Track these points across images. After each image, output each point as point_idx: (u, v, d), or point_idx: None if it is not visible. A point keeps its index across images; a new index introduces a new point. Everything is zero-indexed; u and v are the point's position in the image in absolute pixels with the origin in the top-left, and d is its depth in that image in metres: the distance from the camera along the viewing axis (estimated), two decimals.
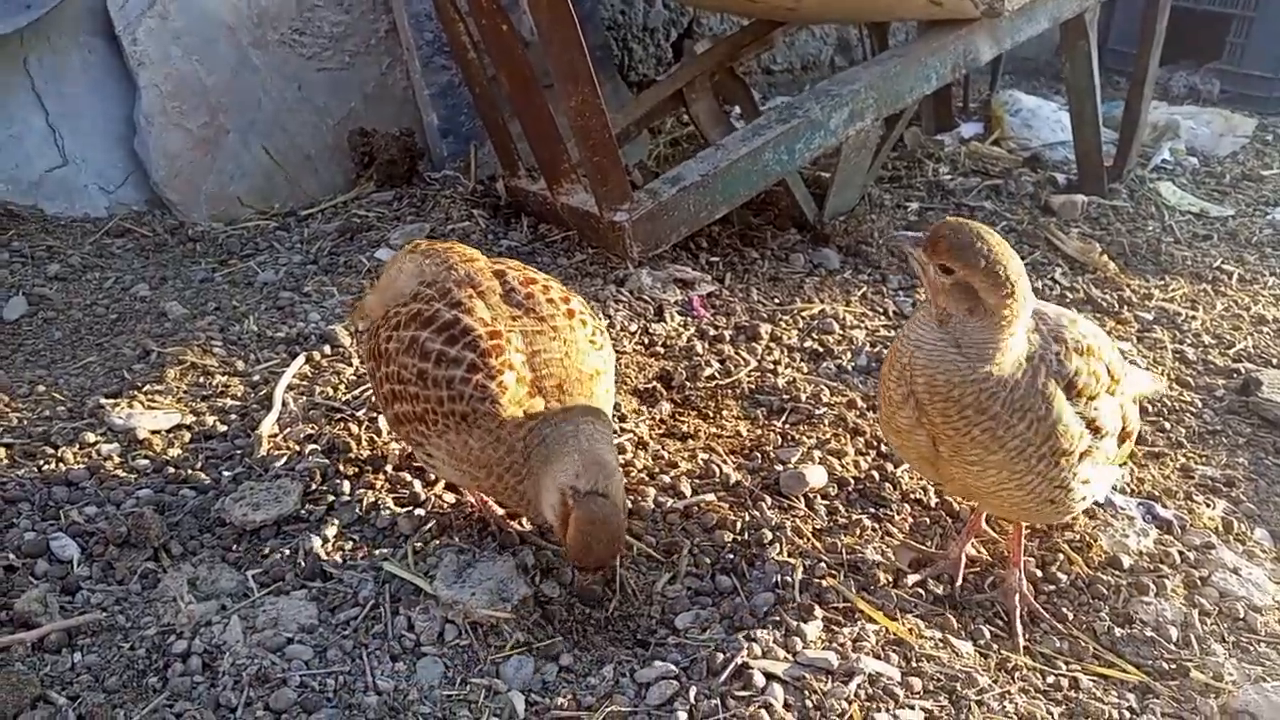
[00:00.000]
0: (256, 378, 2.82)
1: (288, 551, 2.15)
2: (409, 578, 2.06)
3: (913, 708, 1.79)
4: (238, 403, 2.70)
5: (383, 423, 2.60)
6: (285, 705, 1.77)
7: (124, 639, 1.92)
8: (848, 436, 2.66)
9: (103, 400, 2.68)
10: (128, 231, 3.84)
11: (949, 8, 3.66)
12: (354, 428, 2.58)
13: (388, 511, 2.28)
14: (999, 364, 1.74)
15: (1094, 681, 1.93)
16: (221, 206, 3.98)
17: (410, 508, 2.29)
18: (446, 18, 3.69)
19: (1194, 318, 3.58)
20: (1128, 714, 1.86)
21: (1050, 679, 1.93)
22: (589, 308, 2.13)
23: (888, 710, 1.77)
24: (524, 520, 2.23)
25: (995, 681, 1.90)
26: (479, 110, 3.89)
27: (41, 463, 2.41)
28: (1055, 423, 1.77)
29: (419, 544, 2.17)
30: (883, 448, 2.63)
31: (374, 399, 2.30)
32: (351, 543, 2.19)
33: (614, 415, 2.43)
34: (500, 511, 2.22)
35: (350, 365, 2.88)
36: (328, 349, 2.95)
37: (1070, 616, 2.10)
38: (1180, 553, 2.29)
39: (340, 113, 4.22)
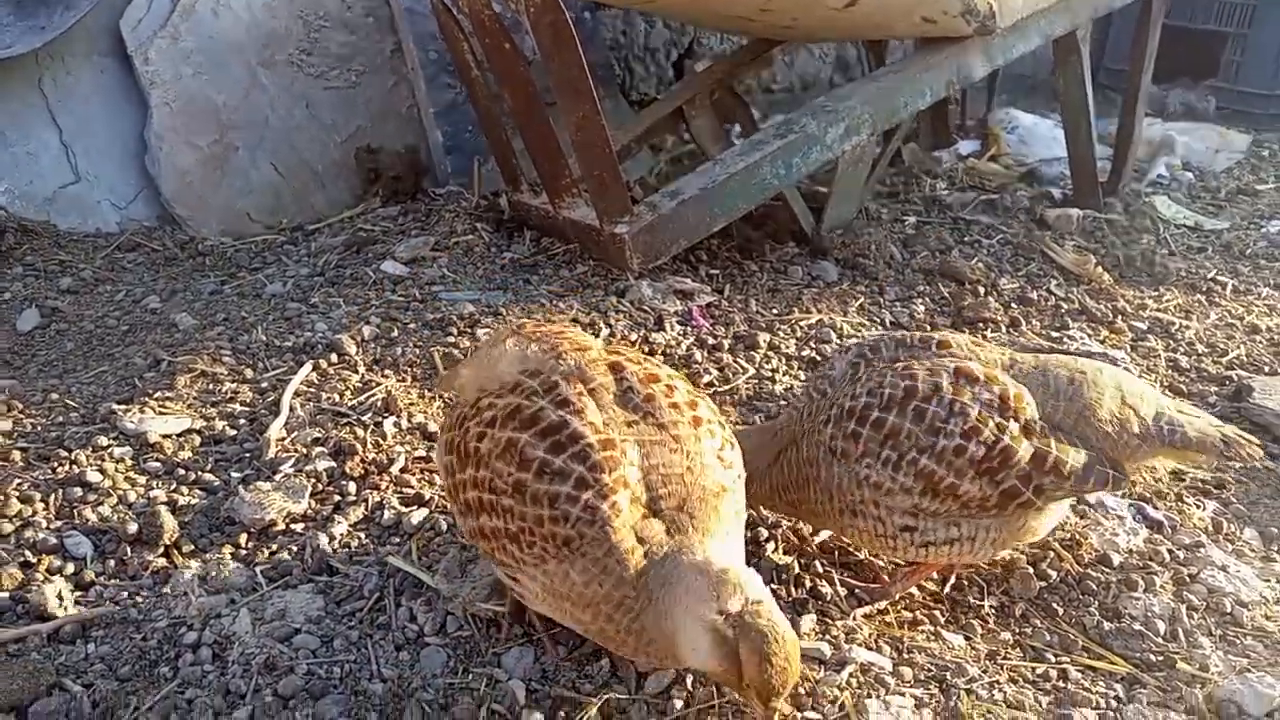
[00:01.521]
0: (265, 385, 2.89)
1: (295, 548, 2.21)
2: (412, 571, 2.11)
3: (903, 695, 1.84)
4: (246, 408, 2.76)
5: (389, 427, 2.66)
6: (293, 691, 1.82)
7: (136, 630, 1.98)
8: None
9: (115, 406, 2.74)
10: (138, 246, 3.92)
11: (942, 26, 3.75)
12: (360, 431, 2.64)
13: (392, 511, 2.33)
14: None
15: (1082, 672, 1.97)
16: (231, 222, 4.06)
17: (414, 507, 2.35)
18: (451, 37, 3.78)
19: (1188, 327, 3.62)
20: (1114, 703, 1.90)
21: (1040, 670, 1.97)
22: (719, 414, 1.81)
23: (878, 697, 1.82)
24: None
25: (985, 671, 1.94)
26: (483, 127, 3.98)
27: (55, 465, 2.47)
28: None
29: (422, 541, 2.22)
30: None
31: (447, 501, 1.96)
32: (357, 540, 2.24)
33: None
34: (537, 623, 1.93)
35: (356, 373, 2.95)
36: (334, 357, 3.01)
37: (1060, 611, 2.14)
38: (1170, 551, 2.33)
39: (347, 130, 4.32)
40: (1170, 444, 2.02)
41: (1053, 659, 2.01)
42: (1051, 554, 2.29)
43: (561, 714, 1.80)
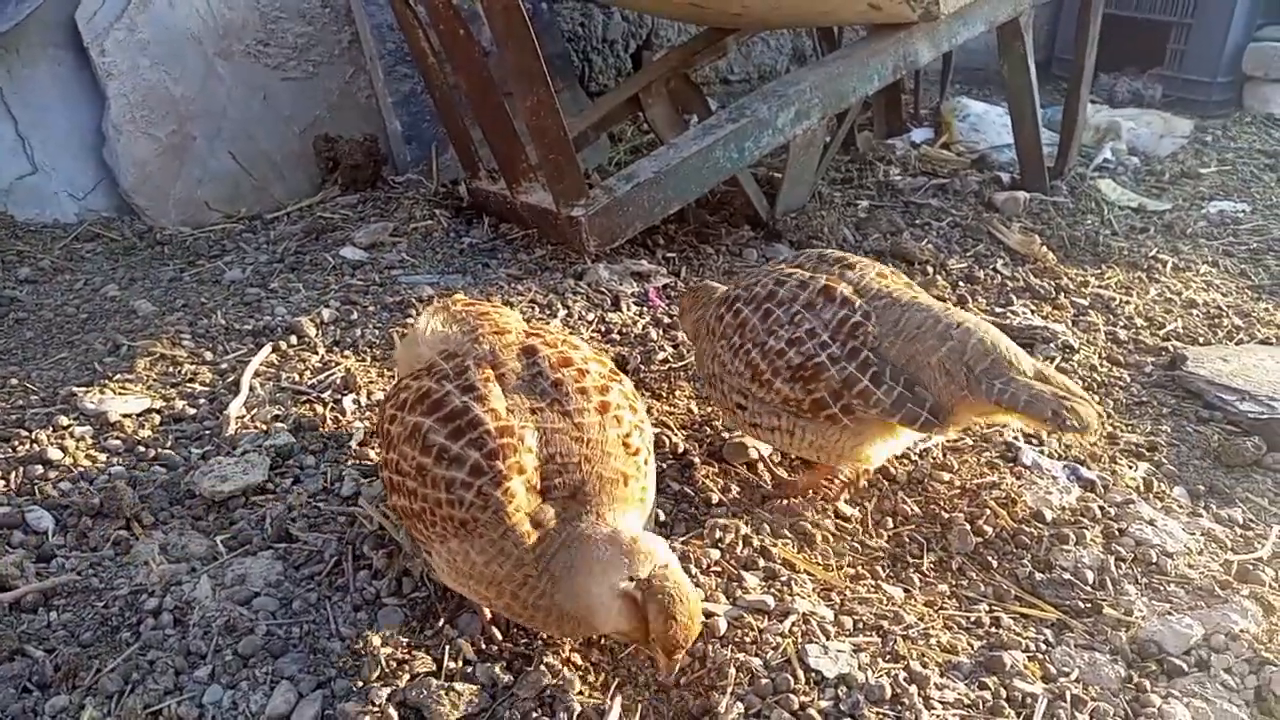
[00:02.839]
0: (225, 366, 2.93)
1: (255, 519, 2.26)
2: (379, 520, 2.17)
3: (842, 641, 1.92)
4: (206, 388, 2.80)
5: (348, 403, 2.71)
6: (252, 651, 1.87)
7: (98, 598, 2.02)
8: None
9: (75, 389, 2.77)
10: (97, 236, 3.93)
11: (887, 11, 3.84)
12: (319, 409, 2.69)
13: (352, 482, 2.38)
14: None
15: (1013, 619, 2.07)
16: (189, 211, 4.09)
17: (373, 478, 2.40)
18: (408, 26, 3.83)
19: (1128, 302, 3.75)
20: (1044, 646, 1.99)
21: (973, 618, 2.07)
22: (632, 397, 1.85)
23: (819, 644, 1.90)
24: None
25: (921, 619, 2.03)
26: (440, 115, 4.03)
27: (16, 444, 2.50)
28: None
29: (382, 511, 2.28)
30: None
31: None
32: (317, 510, 2.29)
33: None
34: (488, 613, 1.96)
35: (315, 354, 2.99)
36: (294, 339, 3.05)
37: (995, 564, 2.24)
38: (1101, 508, 2.44)
39: (305, 120, 4.35)
40: (998, 403, 2.06)
41: (986, 608, 2.11)
42: (988, 511, 2.39)
43: (517, 665, 1.87)
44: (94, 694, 1.80)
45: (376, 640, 1.90)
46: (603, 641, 1.93)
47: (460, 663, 1.88)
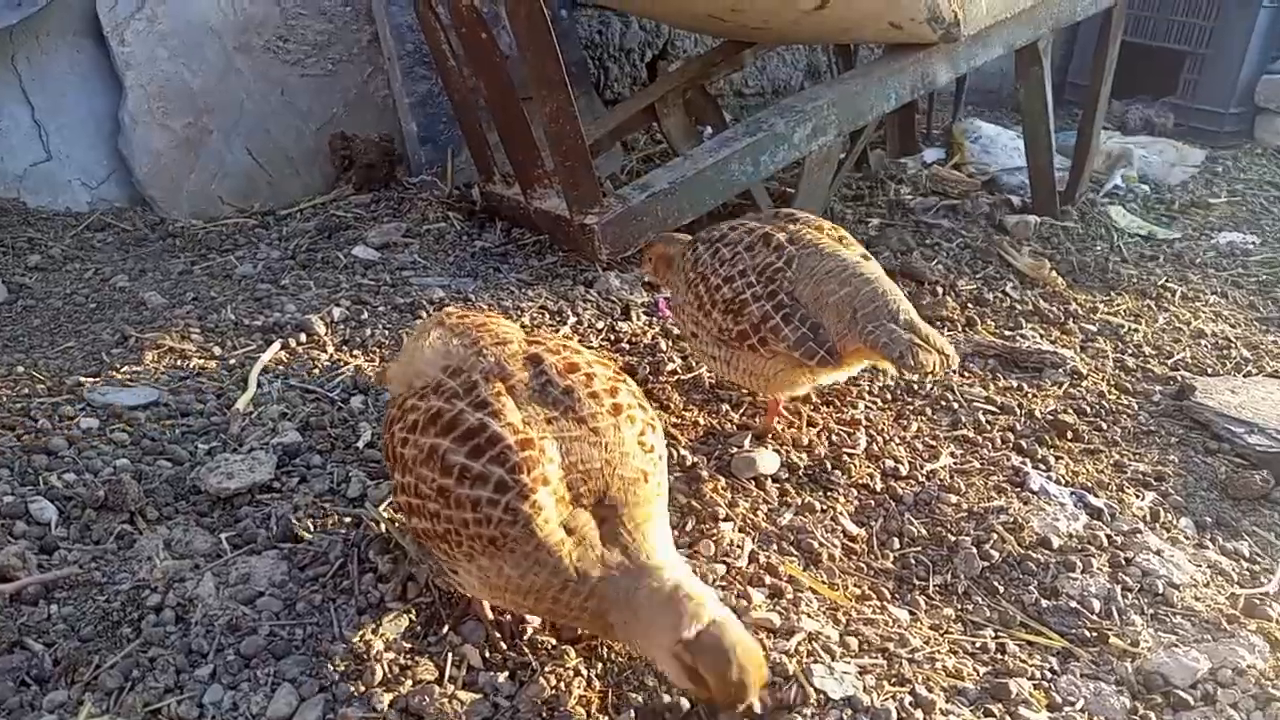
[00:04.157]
0: (233, 362, 2.92)
1: (260, 517, 2.25)
2: (384, 526, 2.16)
3: (848, 662, 1.91)
4: (214, 384, 2.80)
5: (356, 403, 2.71)
6: (255, 651, 1.86)
7: (99, 593, 2.01)
8: (802, 427, 2.79)
9: (82, 379, 2.77)
10: (108, 226, 3.93)
11: (908, 31, 3.84)
12: (327, 407, 2.68)
13: (358, 483, 2.38)
14: None
15: (1019, 646, 2.06)
16: (202, 205, 4.08)
17: (380, 480, 2.39)
18: (428, 28, 3.83)
19: (1136, 330, 3.74)
20: (1049, 674, 1.98)
21: (979, 642, 2.06)
22: (639, 396, 1.86)
23: (824, 664, 1.89)
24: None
25: (927, 642, 2.02)
26: (458, 118, 4.03)
27: (21, 433, 2.49)
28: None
29: (389, 513, 2.27)
30: (834, 437, 2.76)
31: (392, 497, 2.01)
32: (323, 510, 2.29)
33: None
34: (490, 616, 1.98)
35: (325, 352, 2.99)
36: (304, 337, 3.05)
37: (1001, 589, 2.23)
38: (1108, 536, 2.43)
39: (322, 118, 4.35)
40: (864, 341, 2.32)
41: (992, 633, 2.10)
42: (995, 535, 2.38)
43: (520, 675, 1.86)
44: (93, 690, 1.79)
45: (380, 645, 1.89)
46: (608, 653, 1.92)
47: (464, 670, 1.87)
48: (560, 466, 1.69)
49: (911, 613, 2.14)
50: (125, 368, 2.85)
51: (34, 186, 3.93)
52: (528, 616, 1.96)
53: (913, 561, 2.31)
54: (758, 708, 1.62)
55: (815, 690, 1.82)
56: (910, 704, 1.82)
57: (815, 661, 1.89)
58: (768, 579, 2.16)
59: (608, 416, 1.76)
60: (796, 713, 1.78)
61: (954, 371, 2.39)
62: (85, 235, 3.87)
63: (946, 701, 1.86)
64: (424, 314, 3.22)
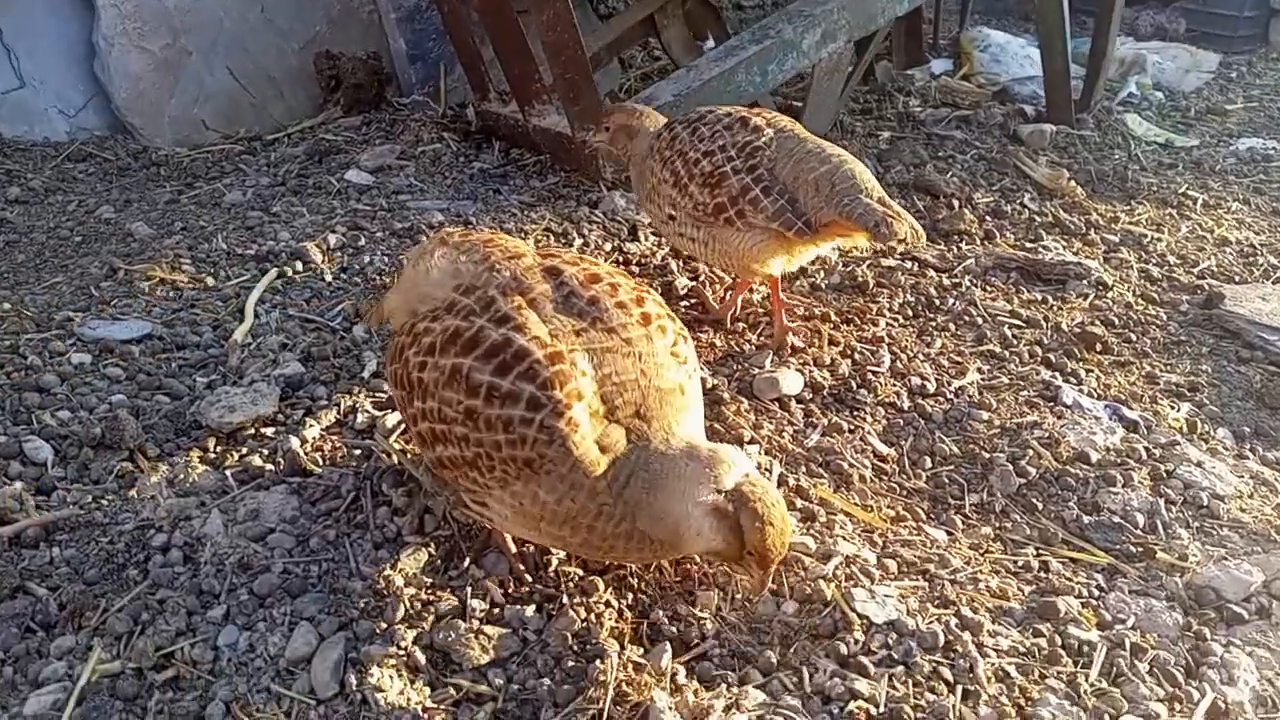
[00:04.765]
0: (227, 292, 2.80)
1: (266, 452, 2.15)
2: (395, 458, 2.06)
3: (888, 585, 1.83)
4: (209, 315, 2.67)
5: (359, 332, 2.59)
6: (269, 590, 1.77)
7: (102, 534, 1.92)
8: (824, 345, 2.69)
9: (71, 314, 2.64)
10: (90, 156, 3.76)
11: None
12: (329, 337, 2.56)
13: (366, 415, 2.27)
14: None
15: (1063, 564, 1.99)
16: (185, 131, 3.90)
17: (389, 411, 2.29)
18: None
19: (1159, 239, 3.62)
20: (1096, 592, 1.91)
21: (1021, 561, 1.98)
22: (665, 306, 1.76)
23: (865, 587, 1.81)
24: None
25: (968, 563, 1.95)
26: (449, 32, 3.84)
27: (10, 370, 2.37)
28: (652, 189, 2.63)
29: (399, 444, 2.17)
30: (857, 355, 2.66)
31: (409, 430, 1.81)
32: (330, 443, 2.19)
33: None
34: (512, 548, 1.88)
35: (323, 280, 2.86)
36: (299, 265, 2.92)
37: (1040, 506, 2.15)
38: (1146, 449, 2.34)
39: (304, 36, 4.15)
40: (840, 213, 2.39)
41: (1033, 551, 2.02)
42: (1030, 452, 2.29)
43: (548, 608, 1.78)
44: (102, 635, 1.70)
45: (399, 580, 1.81)
46: (639, 583, 1.84)
47: (488, 604, 1.78)
48: (593, 380, 1.58)
49: (949, 533, 2.06)
50: (116, 301, 2.72)
51: (8, 116, 3.75)
52: (551, 549, 1.88)
53: (946, 480, 2.23)
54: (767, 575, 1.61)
55: (858, 615, 1.74)
56: (956, 626, 1.75)
57: (855, 585, 1.81)
58: (799, 502, 2.07)
59: (638, 326, 1.64)
60: (839, 639, 1.70)
61: (922, 244, 2.45)
62: (66, 166, 3.70)
63: (993, 622, 1.79)
64: (423, 238, 3.08)
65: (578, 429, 1.54)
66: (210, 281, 2.85)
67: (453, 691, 1.63)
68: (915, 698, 1.60)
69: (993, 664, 1.69)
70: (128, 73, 3.80)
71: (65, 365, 2.41)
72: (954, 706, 1.59)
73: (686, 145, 2.54)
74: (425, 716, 1.58)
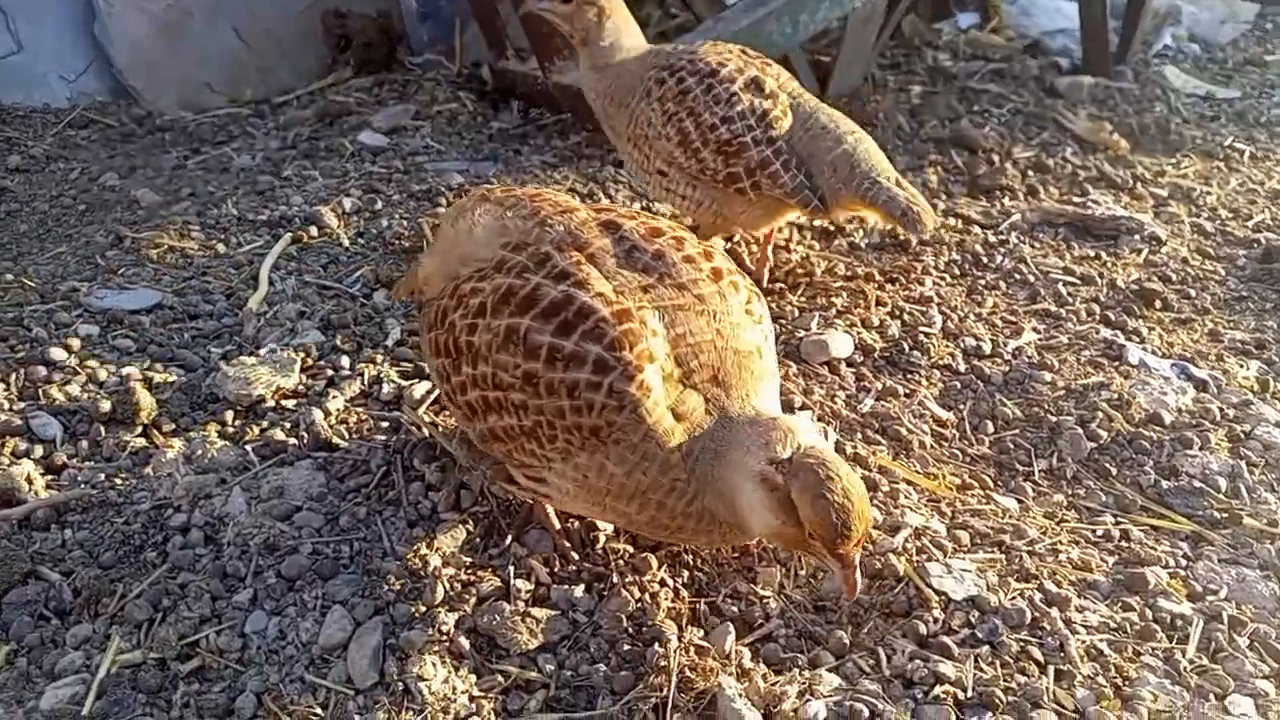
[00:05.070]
0: (239, 259, 2.66)
1: (289, 425, 2.02)
2: (429, 430, 1.93)
3: (963, 559, 1.70)
4: (221, 282, 2.54)
5: (380, 299, 2.46)
6: (298, 572, 1.65)
7: (116, 514, 1.79)
8: (870, 306, 2.55)
9: (76, 284, 2.51)
10: (91, 122, 3.61)
11: None
12: (348, 304, 2.43)
13: (392, 385, 2.14)
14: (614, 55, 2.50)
15: (1144, 532, 1.85)
16: (190, 94, 3.75)
17: (415, 380, 2.16)
18: None
19: (1209, 193, 3.46)
20: (1183, 561, 1.78)
21: (1100, 530, 1.85)
22: (732, 262, 1.60)
23: (939, 561, 1.68)
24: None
25: (1044, 533, 1.81)
26: None
27: (14, 343, 2.24)
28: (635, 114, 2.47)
29: (428, 416, 2.04)
30: (905, 316, 2.52)
31: (448, 406, 1.68)
32: (356, 415, 2.05)
33: None
34: (556, 524, 1.74)
35: (339, 245, 2.72)
36: (314, 230, 2.78)
37: (1114, 471, 2.02)
38: (1220, 409, 2.20)
39: None
40: (862, 197, 2.40)
41: (1112, 520, 1.89)
42: (1100, 414, 2.15)
43: (598, 588, 1.65)
44: (120, 622, 1.58)
45: (436, 559, 1.68)
46: (695, 560, 1.71)
47: (533, 584, 1.66)
48: (665, 341, 1.42)
49: (1020, 501, 1.92)
50: (123, 270, 2.58)
51: (6, 81, 3.60)
52: (599, 524, 1.75)
53: (1011, 446, 2.09)
54: (855, 556, 1.36)
55: (934, 591, 1.61)
56: (1042, 601, 1.62)
57: (928, 559, 1.68)
58: (858, 471, 1.94)
59: (709, 282, 1.48)
60: (916, 618, 1.57)
61: (937, 227, 2.53)
62: (67, 133, 3.55)
63: (1079, 597, 1.66)
64: (443, 201, 2.94)
65: (650, 394, 1.39)
66: (221, 248, 2.71)
67: (500, 679, 1.51)
68: (1005, 680, 1.48)
69: (1083, 641, 1.56)
70: (128, 35, 3.64)
71: (72, 337, 2.27)
72: (1048, 689, 1.46)
73: (700, 105, 2.40)
74: (473, 706, 1.46)
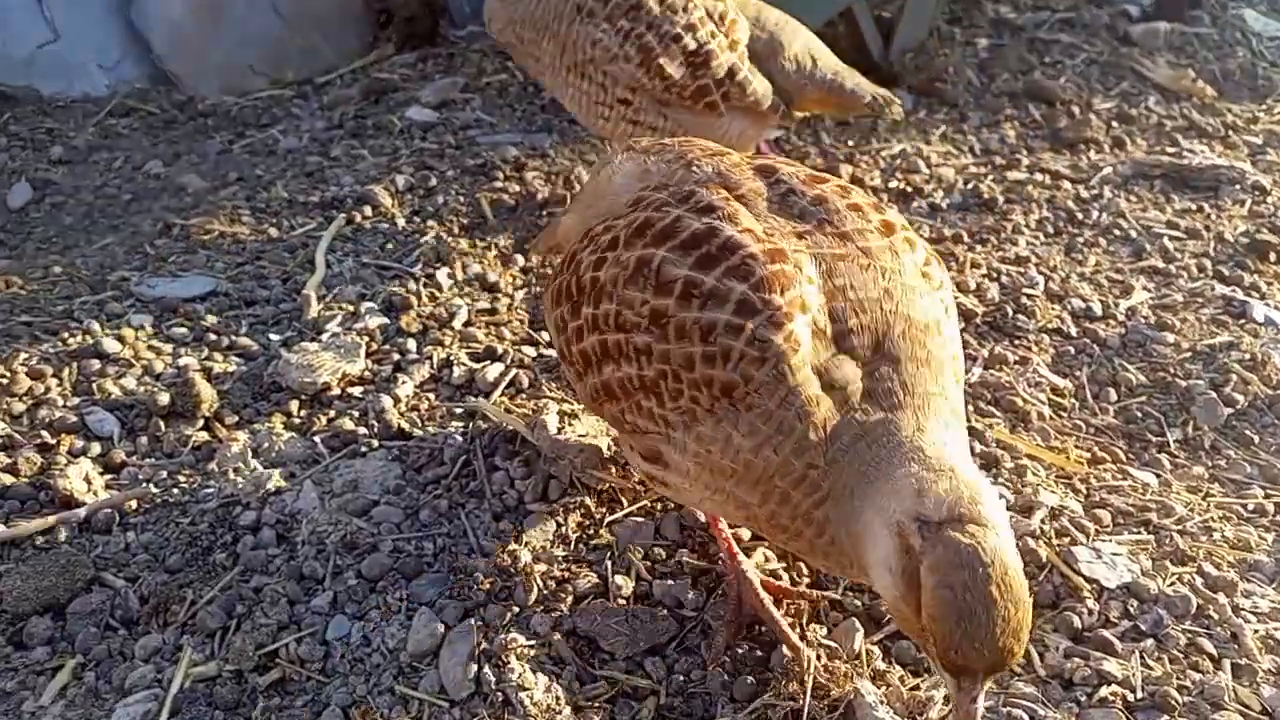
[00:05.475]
0: (293, 242, 2.53)
1: (357, 414, 1.89)
2: (508, 422, 1.80)
3: (1108, 541, 1.54)
4: (277, 267, 2.42)
5: (443, 278, 2.32)
6: (380, 572, 1.52)
7: (182, 514, 1.67)
8: (964, 268, 2.37)
9: (126, 274, 2.40)
10: (132, 110, 3.50)
11: None
12: (411, 284, 2.29)
13: (463, 368, 2.01)
14: None
15: None
16: (231, 78, 3.62)
17: (488, 362, 2.02)
18: None
19: None
20: None
21: (1251, 505, 1.68)
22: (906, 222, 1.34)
23: (1084, 545, 1.52)
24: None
25: (1191, 510, 1.64)
26: None
27: (66, 336, 2.14)
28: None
29: (503, 400, 1.90)
30: (1003, 278, 2.34)
31: (560, 357, 1.46)
32: (427, 401, 1.92)
33: None
34: (778, 618, 1.42)
35: (395, 224, 2.59)
36: (368, 210, 2.65)
37: (1256, 439, 1.84)
38: None
39: None
40: (828, 89, 2.37)
41: (1261, 492, 1.71)
42: (1234, 377, 1.97)
43: (704, 582, 1.51)
44: (192, 632, 1.46)
45: (527, 555, 1.54)
46: None
47: (633, 579, 1.52)
48: (821, 292, 1.19)
49: (1158, 475, 1.75)
50: (174, 258, 2.47)
51: (44, 71, 3.50)
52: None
53: (1139, 414, 1.92)
54: (980, 686, 1.03)
55: (1085, 579, 1.45)
56: (1204, 586, 1.45)
57: (1071, 543, 1.52)
58: (976, 446, 1.77)
59: (878, 236, 1.24)
60: (1067, 610, 1.41)
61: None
62: (108, 122, 3.45)
63: (1243, 580, 1.48)
64: (499, 175, 2.80)
65: (798, 349, 1.14)
66: (273, 232, 2.59)
67: (605, 686, 1.38)
68: (1178, 678, 1.31)
69: (1257, 631, 1.40)
70: (166, 19, 3.53)
71: (125, 328, 2.16)
72: (1228, 687, 1.30)
73: (656, 14, 2.24)
74: (578, 718, 1.32)
